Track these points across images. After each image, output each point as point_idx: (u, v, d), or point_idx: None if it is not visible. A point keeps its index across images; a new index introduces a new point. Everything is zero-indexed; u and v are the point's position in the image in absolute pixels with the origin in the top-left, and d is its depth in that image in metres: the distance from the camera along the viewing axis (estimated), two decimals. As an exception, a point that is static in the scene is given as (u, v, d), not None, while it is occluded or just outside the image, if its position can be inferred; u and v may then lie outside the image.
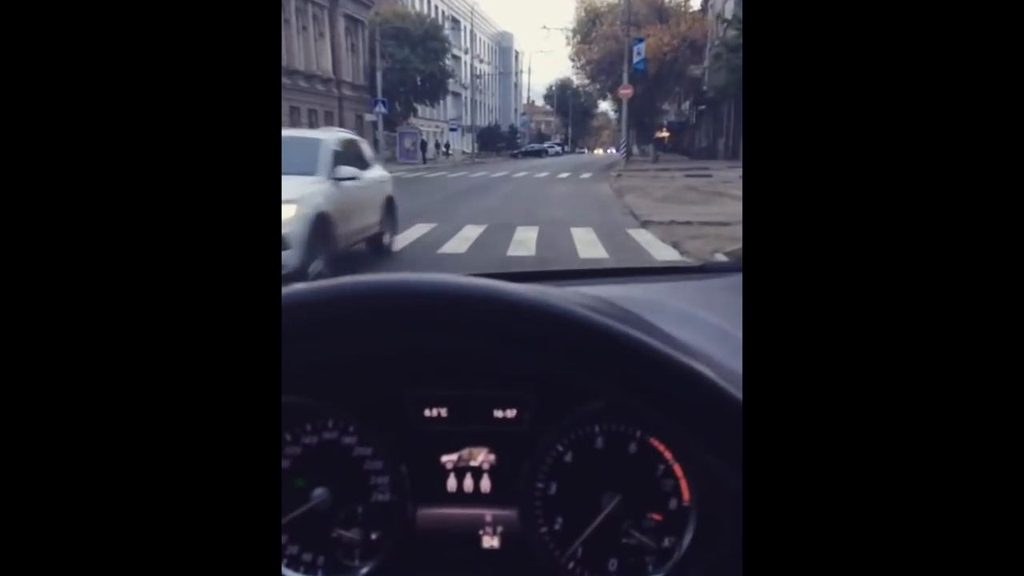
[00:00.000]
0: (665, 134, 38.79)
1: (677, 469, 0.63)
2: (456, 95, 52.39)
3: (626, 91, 21.69)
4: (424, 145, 31.20)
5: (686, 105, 39.42)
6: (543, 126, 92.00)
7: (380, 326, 0.39)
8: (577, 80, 45.91)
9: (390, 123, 32.68)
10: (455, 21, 49.33)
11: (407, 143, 30.16)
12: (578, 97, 72.85)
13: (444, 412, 0.64)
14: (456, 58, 47.42)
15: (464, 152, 41.51)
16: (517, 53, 76.24)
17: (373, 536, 0.64)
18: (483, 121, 60.47)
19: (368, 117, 25.06)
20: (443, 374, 0.63)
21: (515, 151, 52.93)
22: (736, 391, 0.35)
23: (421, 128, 38.16)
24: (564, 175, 21.12)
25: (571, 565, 0.64)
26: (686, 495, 0.63)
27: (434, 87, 35.26)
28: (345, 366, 0.60)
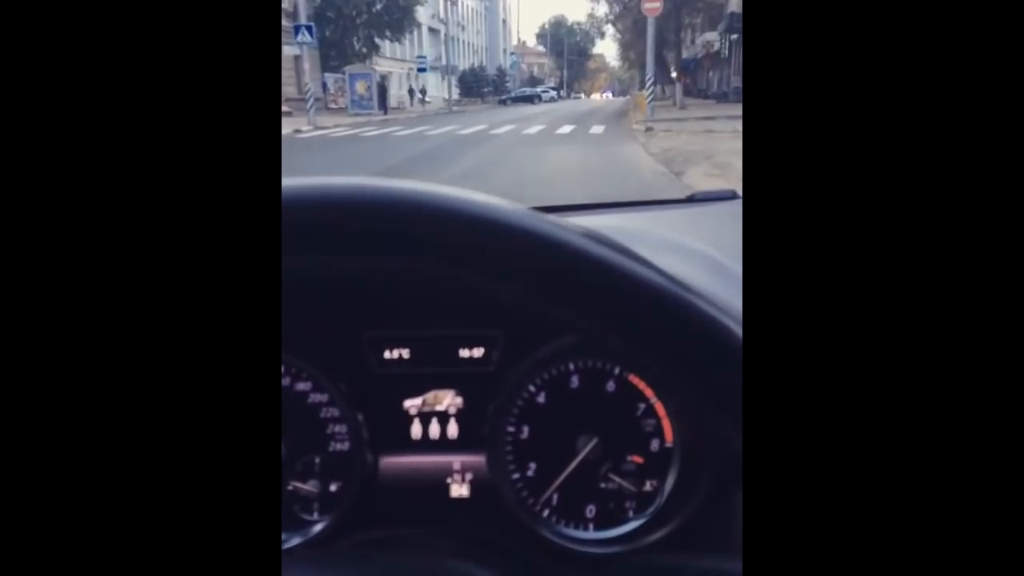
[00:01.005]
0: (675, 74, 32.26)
1: (659, 408, 0.60)
2: (434, 31, 45.17)
3: (653, 5, 15.08)
4: (384, 90, 24.37)
5: (711, 35, 32.65)
6: (535, 69, 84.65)
7: (325, 241, 0.32)
8: (572, 16, 38.80)
9: (344, 61, 25.95)
10: (429, -59, 41.68)
11: (359, 87, 23.40)
12: (573, 35, 65.55)
13: (406, 353, 0.61)
14: (431, -14, 40.15)
15: (445, 99, 34.63)
16: (505, -15, 68.14)
17: (332, 488, 0.61)
18: (467, 63, 53.25)
19: (289, 50, 18.33)
20: (403, 309, 0.60)
21: (503, 96, 46.18)
22: (735, 326, 0.32)
23: (388, 70, 31.38)
24: (566, 129, 14.69)
25: (546, 513, 0.61)
26: (669, 435, 0.60)
27: (399, 18, 28.44)
28: (293, 300, 0.53)
